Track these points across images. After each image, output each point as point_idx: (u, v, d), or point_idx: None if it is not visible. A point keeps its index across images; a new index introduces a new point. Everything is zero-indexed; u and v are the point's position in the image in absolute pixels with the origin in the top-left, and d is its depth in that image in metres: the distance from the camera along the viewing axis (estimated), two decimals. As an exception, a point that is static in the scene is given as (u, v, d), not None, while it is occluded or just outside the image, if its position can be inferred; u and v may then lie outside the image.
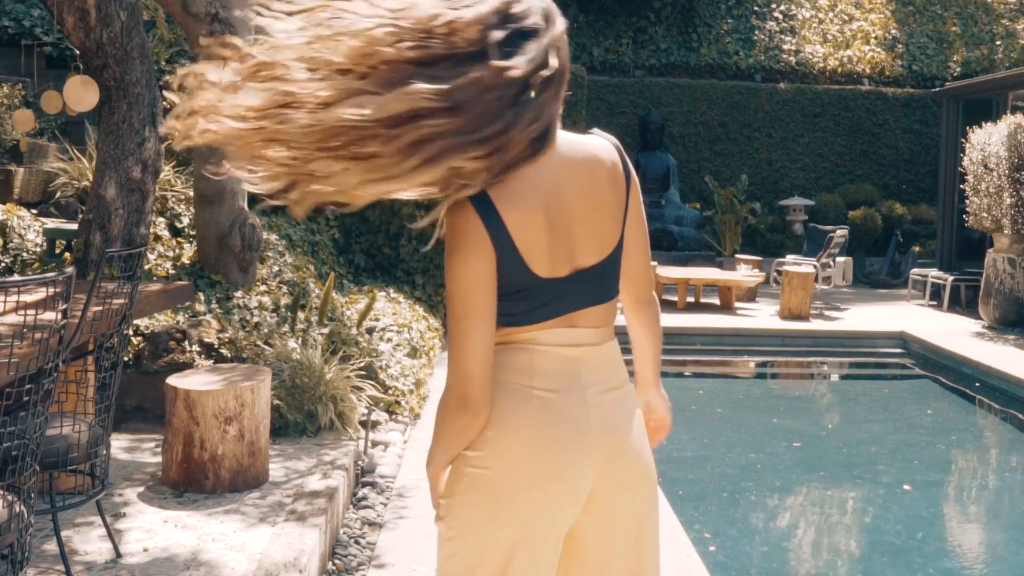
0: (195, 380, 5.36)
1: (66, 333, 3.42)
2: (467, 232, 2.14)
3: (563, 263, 2.24)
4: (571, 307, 2.27)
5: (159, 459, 5.67)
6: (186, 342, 6.51)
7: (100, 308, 4.11)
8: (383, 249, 10.99)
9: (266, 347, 6.70)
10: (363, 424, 6.61)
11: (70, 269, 3.28)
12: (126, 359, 6.43)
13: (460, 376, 2.16)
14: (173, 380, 5.34)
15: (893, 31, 21.17)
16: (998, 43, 21.12)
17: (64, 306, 3.35)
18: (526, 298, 2.21)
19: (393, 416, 7.30)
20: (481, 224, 2.14)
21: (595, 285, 2.30)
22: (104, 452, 4.20)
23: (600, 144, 2.33)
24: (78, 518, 4.73)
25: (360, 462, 6.19)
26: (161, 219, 8.60)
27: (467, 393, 2.16)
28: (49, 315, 3.36)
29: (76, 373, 4.51)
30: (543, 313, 2.24)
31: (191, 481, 5.22)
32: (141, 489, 5.26)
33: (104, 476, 4.25)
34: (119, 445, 6.04)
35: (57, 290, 3.34)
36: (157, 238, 8.30)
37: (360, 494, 5.84)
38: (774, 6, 21.39)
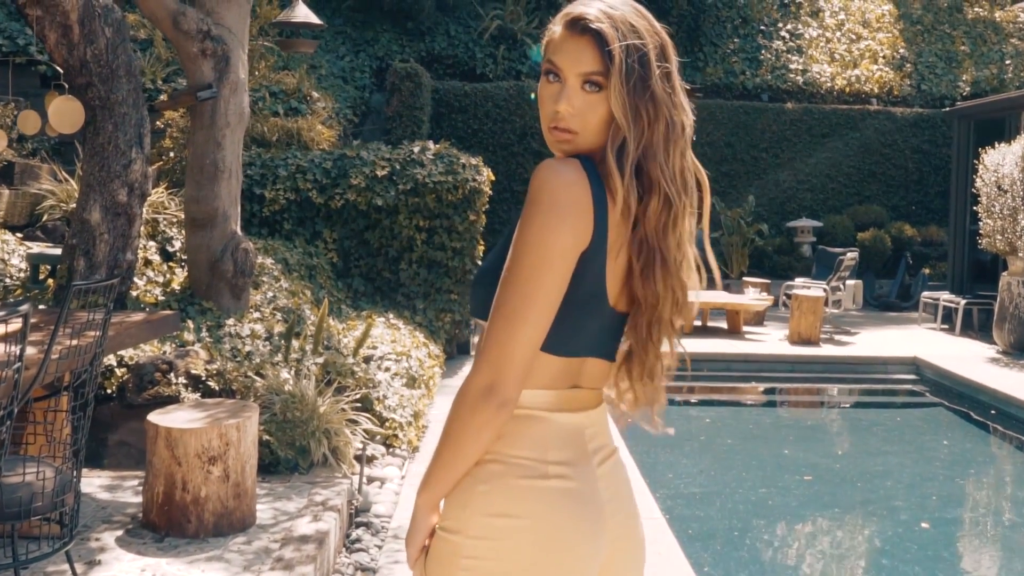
0: (177, 417, 5.06)
1: (21, 375, 3.13)
2: (570, 193, 1.85)
3: (614, 292, 1.97)
4: (595, 350, 2.00)
5: (141, 499, 5.36)
6: (172, 374, 6.21)
7: (72, 343, 3.81)
8: (383, 273, 10.70)
9: (257, 378, 6.41)
10: (358, 459, 6.30)
11: (25, 306, 2.99)
12: (109, 391, 6.14)
13: (496, 360, 1.85)
14: (154, 417, 5.04)
15: (901, 50, 20.92)
16: (1008, 62, 20.85)
17: (20, 346, 3.06)
18: (574, 315, 1.92)
19: (390, 450, 7.00)
20: (589, 192, 1.86)
21: (614, 336, 2.04)
22: (73, 499, 3.90)
23: None
24: (50, 566, 4.43)
25: (354, 501, 5.88)
26: (152, 243, 8.32)
27: (498, 381, 1.84)
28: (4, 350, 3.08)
29: (45, 413, 4.21)
30: (579, 343, 1.96)
31: (172, 525, 4.92)
32: (119, 532, 4.96)
33: (73, 525, 3.95)
34: (99, 483, 5.74)
35: (11, 327, 3.05)
36: (147, 262, 8.02)
37: (353, 535, 5.53)
38: (781, 25, 21.16)
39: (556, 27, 1.98)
